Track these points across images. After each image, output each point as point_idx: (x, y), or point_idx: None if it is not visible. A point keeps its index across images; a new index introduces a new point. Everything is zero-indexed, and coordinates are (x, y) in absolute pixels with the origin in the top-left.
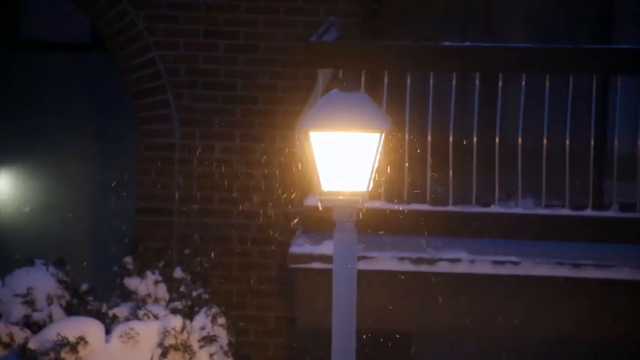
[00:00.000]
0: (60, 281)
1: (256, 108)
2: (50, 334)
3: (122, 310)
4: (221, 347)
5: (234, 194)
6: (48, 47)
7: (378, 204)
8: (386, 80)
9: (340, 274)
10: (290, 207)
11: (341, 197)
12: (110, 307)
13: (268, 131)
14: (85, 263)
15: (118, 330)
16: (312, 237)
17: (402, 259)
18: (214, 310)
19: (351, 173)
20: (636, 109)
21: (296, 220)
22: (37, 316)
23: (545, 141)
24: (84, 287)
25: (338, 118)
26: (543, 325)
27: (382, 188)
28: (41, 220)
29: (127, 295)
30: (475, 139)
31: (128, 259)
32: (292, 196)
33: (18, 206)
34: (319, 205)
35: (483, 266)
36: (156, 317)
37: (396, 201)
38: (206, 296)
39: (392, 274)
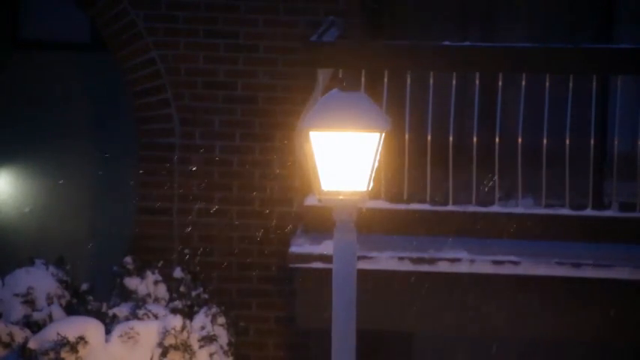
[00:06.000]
0: (60, 281)
1: (256, 108)
2: (50, 334)
3: (122, 310)
4: (221, 347)
5: (234, 194)
6: (48, 47)
7: (378, 204)
8: (386, 80)
9: (340, 273)
10: (290, 207)
11: (341, 197)
12: (110, 307)
13: (268, 131)
14: (85, 263)
15: (118, 330)
16: (312, 237)
17: (402, 258)
18: (214, 309)
19: (351, 173)
20: (636, 109)
21: (296, 220)
22: (37, 316)
23: (545, 141)
24: (84, 287)
25: (338, 118)
26: (543, 325)
27: (382, 188)
28: (41, 220)
29: (126, 295)
30: (475, 139)
31: (128, 259)
32: (292, 196)
33: (18, 206)
34: (319, 202)
35: (483, 266)
36: (156, 317)
37: (395, 201)
38: (206, 296)
39: (392, 274)
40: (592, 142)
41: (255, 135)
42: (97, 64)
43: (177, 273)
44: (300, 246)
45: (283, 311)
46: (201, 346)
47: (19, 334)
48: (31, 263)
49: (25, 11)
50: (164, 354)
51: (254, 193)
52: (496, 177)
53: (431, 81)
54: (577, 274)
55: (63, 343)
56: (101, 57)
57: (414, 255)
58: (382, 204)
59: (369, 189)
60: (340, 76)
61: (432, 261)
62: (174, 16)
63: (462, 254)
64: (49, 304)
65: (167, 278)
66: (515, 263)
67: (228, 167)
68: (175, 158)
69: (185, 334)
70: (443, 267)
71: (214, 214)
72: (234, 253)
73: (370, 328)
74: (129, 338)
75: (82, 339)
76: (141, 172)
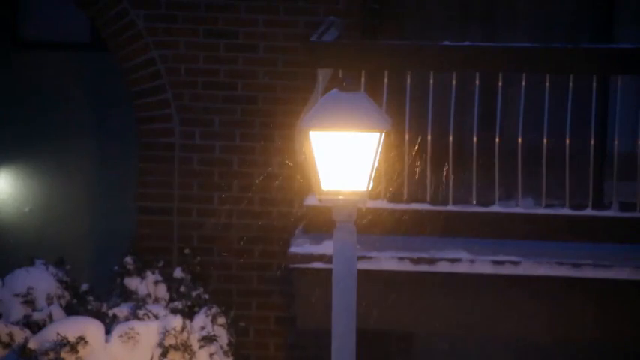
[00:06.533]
0: (60, 281)
1: (256, 108)
2: (50, 334)
3: (122, 310)
4: (221, 347)
5: (234, 194)
6: (48, 47)
7: (378, 204)
8: (386, 80)
9: (340, 273)
10: (290, 207)
11: (341, 197)
12: (110, 307)
13: (268, 131)
14: (85, 263)
15: (118, 330)
16: (312, 237)
17: (402, 258)
18: (214, 309)
19: (351, 173)
20: (636, 109)
21: (296, 220)
22: (37, 316)
23: (545, 141)
24: (84, 287)
25: (338, 118)
26: (543, 325)
27: (382, 188)
28: (41, 220)
29: (127, 295)
30: (475, 139)
31: (128, 259)
32: (292, 196)
33: (18, 206)
34: (319, 202)
35: (483, 266)
36: (156, 317)
37: (396, 201)
38: (206, 296)
39: (392, 274)
40: (592, 142)
41: (255, 135)
42: (97, 64)
43: (178, 273)
44: (300, 246)
45: (283, 311)
46: (201, 346)
47: (19, 334)
48: (31, 263)
49: (25, 11)
50: (164, 354)
51: (254, 193)
52: (496, 177)
53: (431, 81)
54: (577, 274)
55: (63, 343)
56: (101, 57)
57: (414, 255)
58: (382, 204)
59: (369, 189)
60: (340, 76)
61: (432, 261)
62: (174, 16)
63: (462, 254)
64: (49, 304)
65: (167, 278)
66: (515, 263)
67: (228, 167)
68: (175, 158)
69: (185, 334)
70: (443, 267)
71: (214, 214)
72: (234, 253)
73: (370, 328)
74: (129, 338)
75: (82, 339)
76: (141, 172)
